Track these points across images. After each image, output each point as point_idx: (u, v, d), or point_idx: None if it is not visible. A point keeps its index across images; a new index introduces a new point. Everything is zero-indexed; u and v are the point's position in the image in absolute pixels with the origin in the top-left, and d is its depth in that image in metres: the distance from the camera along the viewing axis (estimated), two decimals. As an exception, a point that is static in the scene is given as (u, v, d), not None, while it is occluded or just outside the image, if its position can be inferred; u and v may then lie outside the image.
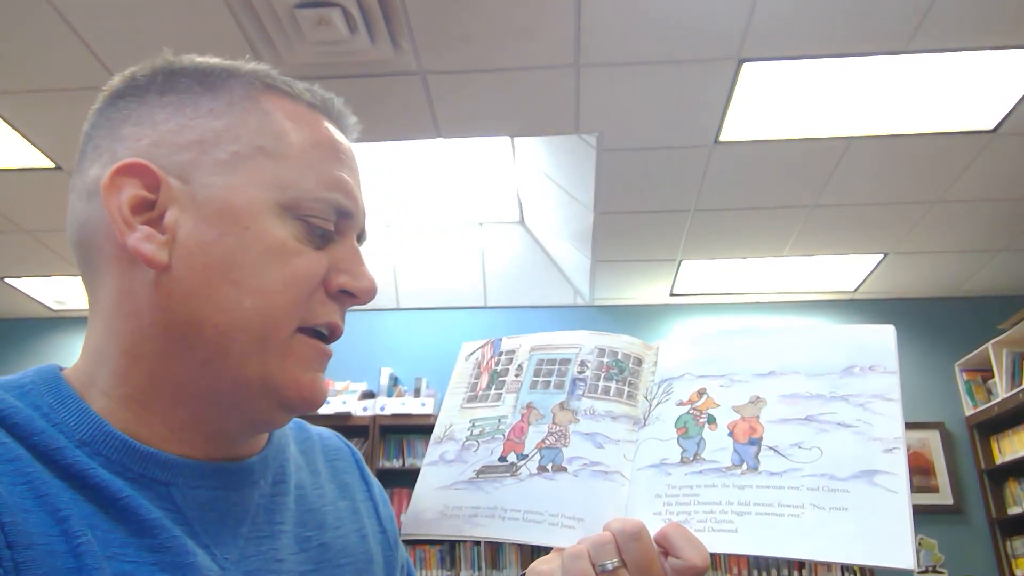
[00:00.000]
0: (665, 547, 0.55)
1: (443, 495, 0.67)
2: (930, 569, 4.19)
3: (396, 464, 4.43)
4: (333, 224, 0.57)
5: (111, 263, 0.55)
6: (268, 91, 0.58)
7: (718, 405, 0.62)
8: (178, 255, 0.53)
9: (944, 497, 4.33)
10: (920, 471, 4.38)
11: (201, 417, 0.55)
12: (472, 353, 0.78)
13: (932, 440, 4.45)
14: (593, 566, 0.54)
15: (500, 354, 0.75)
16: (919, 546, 4.24)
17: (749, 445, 0.59)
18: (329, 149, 0.58)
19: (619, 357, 0.69)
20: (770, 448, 0.58)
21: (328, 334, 0.58)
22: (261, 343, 0.53)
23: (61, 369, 0.56)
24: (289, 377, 0.54)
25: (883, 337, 0.61)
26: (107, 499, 0.49)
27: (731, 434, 0.60)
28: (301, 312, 0.55)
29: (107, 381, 0.54)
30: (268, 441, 0.62)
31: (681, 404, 0.64)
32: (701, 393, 0.64)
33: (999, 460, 4.24)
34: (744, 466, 0.58)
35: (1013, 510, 4.15)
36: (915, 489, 4.35)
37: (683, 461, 0.60)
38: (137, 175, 0.54)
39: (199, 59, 0.58)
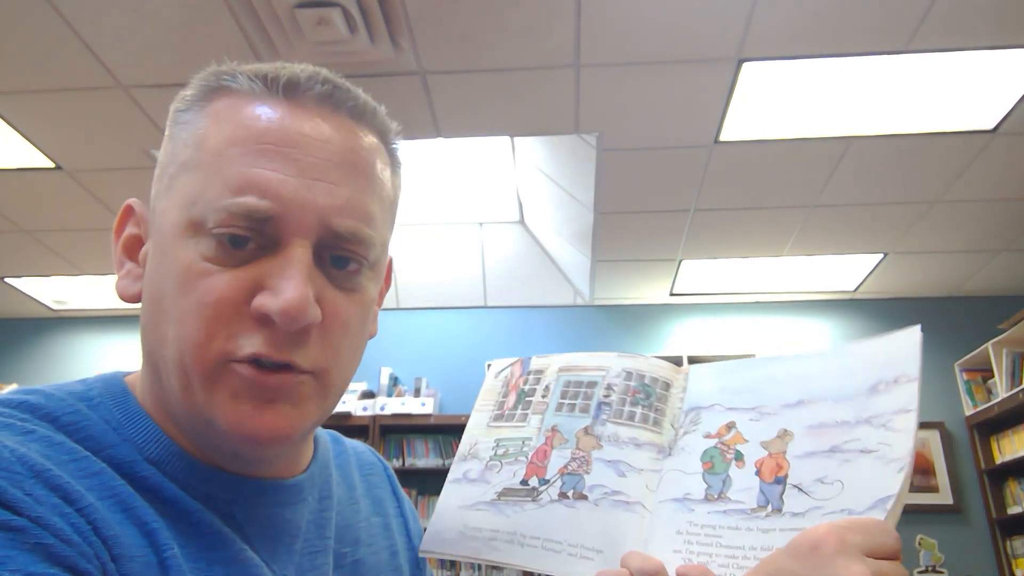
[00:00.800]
0: None
1: (463, 515, 0.66)
2: (930, 569, 4.19)
3: (396, 464, 4.43)
4: (252, 233, 0.49)
5: None
6: (214, 93, 0.53)
7: (747, 441, 0.60)
8: (144, 287, 0.54)
9: (944, 497, 4.34)
10: (920, 471, 4.38)
11: (208, 444, 0.53)
12: (502, 371, 0.76)
13: (932, 440, 4.45)
14: None
15: (529, 373, 0.73)
16: (919, 546, 4.24)
17: (775, 484, 0.57)
18: (249, 141, 0.50)
19: (646, 381, 0.67)
20: (794, 486, 0.56)
21: (276, 364, 0.49)
22: (185, 375, 0.49)
23: (125, 375, 0.57)
24: (221, 413, 0.49)
25: (908, 342, 0.57)
26: (180, 513, 0.49)
27: (758, 472, 0.58)
28: (220, 341, 0.48)
29: (148, 402, 0.55)
30: (314, 457, 0.62)
31: (708, 436, 0.62)
32: (730, 427, 0.62)
33: (999, 460, 4.24)
34: (769, 507, 0.56)
35: (1013, 510, 4.15)
36: (915, 489, 4.35)
37: (707, 499, 0.59)
38: (130, 215, 0.56)
39: (204, 71, 0.56)
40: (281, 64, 0.54)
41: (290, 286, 0.48)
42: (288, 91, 0.52)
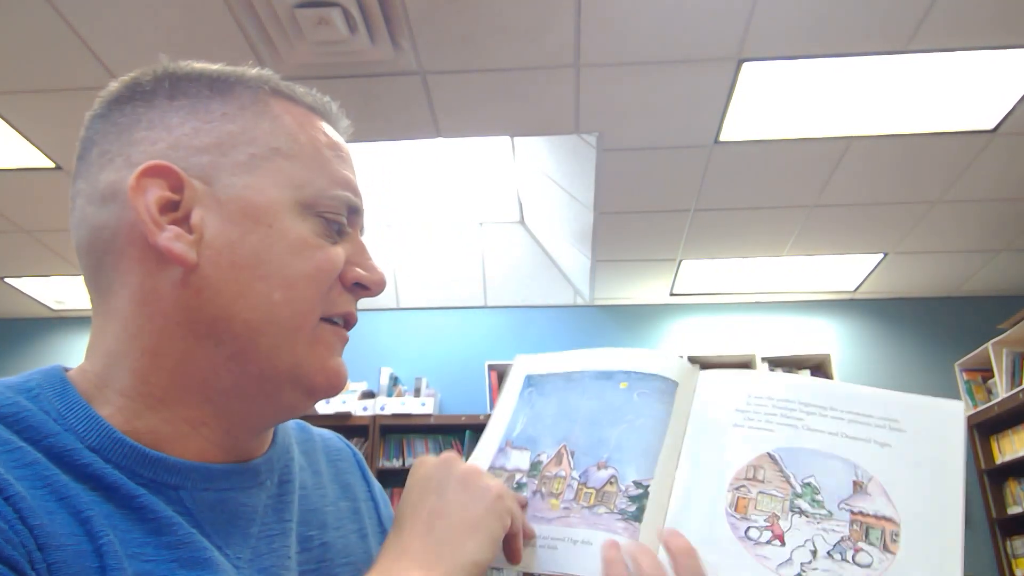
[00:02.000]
0: None
1: None
2: (930, 569, 4.19)
3: (396, 464, 4.43)
4: (345, 218, 0.60)
5: (133, 265, 0.55)
6: (274, 95, 0.60)
7: None
8: (205, 254, 0.54)
9: (944, 497, 4.33)
10: (920, 471, 4.38)
11: (225, 410, 0.56)
12: None
13: (932, 440, 4.44)
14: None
15: None
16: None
17: None
18: (333, 149, 0.61)
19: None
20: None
21: (344, 323, 0.61)
22: (291, 334, 0.56)
23: (66, 370, 0.56)
24: (317, 364, 0.57)
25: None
26: (123, 498, 0.50)
27: None
28: (323, 304, 0.58)
29: (126, 382, 0.54)
30: (272, 442, 0.63)
31: None
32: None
33: (999, 460, 4.24)
34: None
35: (1013, 510, 4.15)
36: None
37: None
38: (161, 176, 0.54)
39: (200, 65, 0.60)
40: (313, 91, 0.64)
41: (376, 265, 0.62)
42: (331, 116, 0.64)
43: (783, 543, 0.56)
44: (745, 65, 2.75)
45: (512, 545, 0.60)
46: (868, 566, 0.54)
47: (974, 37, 2.60)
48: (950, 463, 0.56)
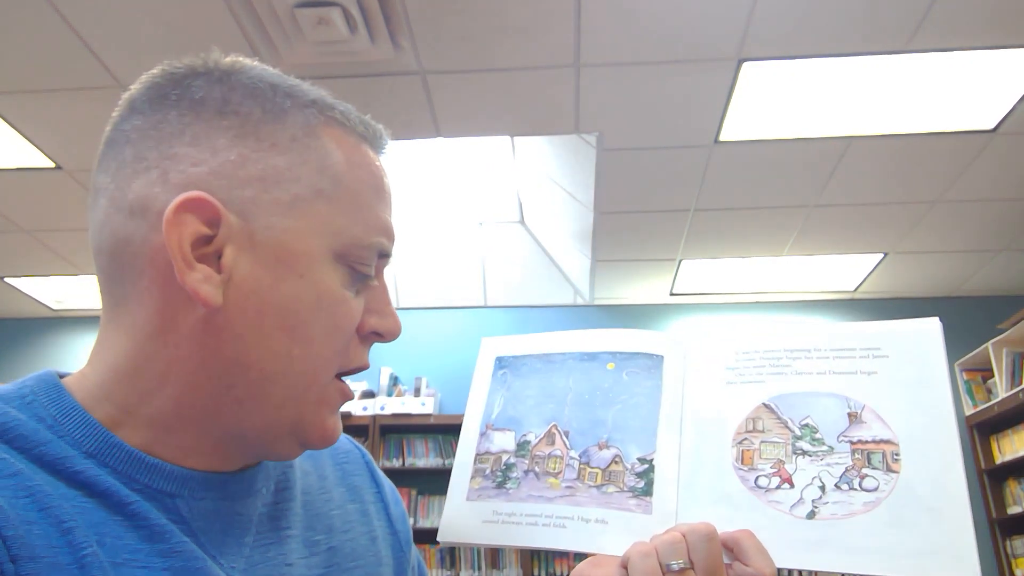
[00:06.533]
0: (735, 553, 0.55)
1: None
2: (930, 569, 4.19)
3: (396, 464, 4.43)
4: (373, 267, 0.57)
5: (154, 289, 0.52)
6: (327, 123, 0.56)
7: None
8: (232, 296, 0.51)
9: (944, 497, 4.33)
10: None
11: (220, 444, 0.55)
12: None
13: (932, 440, 4.44)
14: (660, 565, 0.54)
15: None
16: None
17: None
18: (378, 189, 0.58)
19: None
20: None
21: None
22: (302, 391, 0.54)
23: (61, 376, 0.56)
24: (318, 422, 0.56)
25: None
26: (117, 504, 0.49)
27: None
28: (339, 359, 0.55)
29: (130, 399, 0.53)
30: None
31: None
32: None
33: (999, 460, 4.24)
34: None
35: (1013, 510, 4.15)
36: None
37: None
38: (199, 210, 0.51)
39: (256, 72, 0.56)
40: (361, 115, 0.60)
41: (393, 311, 0.58)
42: (379, 144, 0.61)
43: (792, 485, 0.58)
44: (745, 65, 2.75)
45: None
46: (875, 489, 0.56)
47: (974, 37, 2.60)
48: (935, 377, 0.60)
